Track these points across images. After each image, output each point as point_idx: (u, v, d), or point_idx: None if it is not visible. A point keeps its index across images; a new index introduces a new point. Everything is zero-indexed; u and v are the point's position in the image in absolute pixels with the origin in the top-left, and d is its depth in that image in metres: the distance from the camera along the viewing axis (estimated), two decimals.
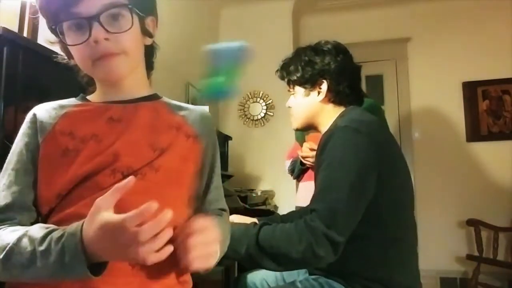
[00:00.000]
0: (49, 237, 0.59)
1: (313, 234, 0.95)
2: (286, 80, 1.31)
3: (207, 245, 0.66)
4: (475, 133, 3.17)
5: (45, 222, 0.68)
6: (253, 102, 3.27)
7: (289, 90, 1.32)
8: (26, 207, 0.68)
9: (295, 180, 2.92)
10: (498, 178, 3.06)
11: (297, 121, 1.31)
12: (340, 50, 1.24)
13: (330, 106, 1.24)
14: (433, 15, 3.32)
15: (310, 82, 1.23)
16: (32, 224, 0.67)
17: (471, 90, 3.20)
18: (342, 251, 0.97)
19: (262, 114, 3.25)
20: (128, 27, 0.70)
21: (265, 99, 3.25)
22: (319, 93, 1.23)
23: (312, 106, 1.25)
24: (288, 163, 2.05)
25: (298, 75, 1.24)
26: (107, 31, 0.68)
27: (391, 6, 3.41)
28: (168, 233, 0.56)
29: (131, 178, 0.58)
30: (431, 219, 3.11)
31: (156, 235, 0.55)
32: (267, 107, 3.24)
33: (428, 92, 3.30)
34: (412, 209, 1.17)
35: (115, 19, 0.69)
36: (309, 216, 0.99)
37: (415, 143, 3.31)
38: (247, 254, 1.00)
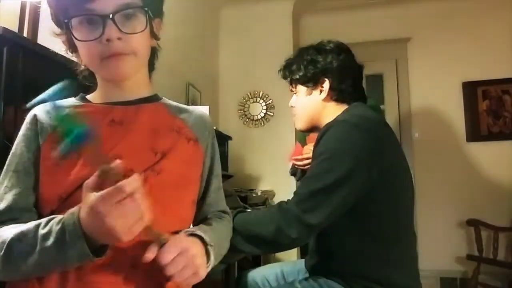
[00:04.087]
0: (52, 221, 0.60)
1: (284, 216, 0.98)
2: (288, 79, 1.31)
3: (188, 266, 0.63)
4: (475, 133, 3.17)
5: None
6: (253, 102, 3.27)
7: (291, 90, 1.32)
8: (27, 209, 0.68)
9: (295, 180, 2.93)
10: (498, 178, 3.06)
11: (301, 121, 1.30)
12: (342, 49, 1.24)
13: (332, 104, 1.23)
14: (433, 15, 3.32)
15: (312, 81, 1.23)
16: None
17: (471, 90, 3.20)
18: (339, 248, 0.97)
19: (262, 114, 3.24)
20: (142, 29, 0.70)
21: (265, 99, 3.25)
22: (321, 91, 1.23)
23: (315, 104, 1.24)
24: (290, 165, 2.03)
25: (301, 74, 1.24)
26: (120, 31, 0.67)
27: (391, 6, 3.41)
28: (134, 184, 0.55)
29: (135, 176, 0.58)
30: (431, 219, 3.11)
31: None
32: (267, 107, 3.24)
33: (428, 92, 3.30)
34: (412, 210, 1.16)
35: (128, 19, 0.69)
36: (287, 200, 1.02)
37: (415, 143, 3.30)
38: None
